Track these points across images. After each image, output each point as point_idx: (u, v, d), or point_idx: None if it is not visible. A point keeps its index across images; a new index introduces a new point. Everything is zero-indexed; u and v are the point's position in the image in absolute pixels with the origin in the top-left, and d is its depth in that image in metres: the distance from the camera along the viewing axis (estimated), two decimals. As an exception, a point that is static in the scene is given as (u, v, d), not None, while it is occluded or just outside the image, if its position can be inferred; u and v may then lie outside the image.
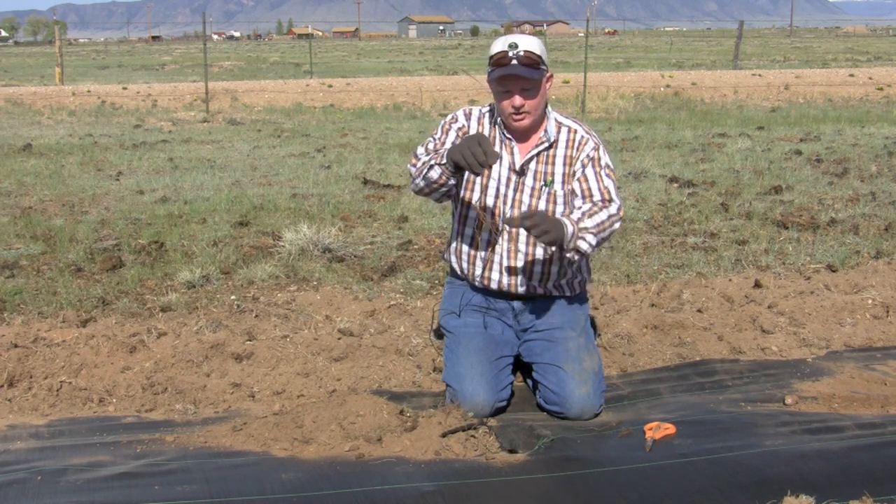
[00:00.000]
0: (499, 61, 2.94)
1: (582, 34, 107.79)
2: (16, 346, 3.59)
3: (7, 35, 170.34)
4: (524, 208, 3.09)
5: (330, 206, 6.80)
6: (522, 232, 3.09)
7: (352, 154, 10.05)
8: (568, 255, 2.94)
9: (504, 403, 3.04)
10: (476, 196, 3.14)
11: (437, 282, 4.65)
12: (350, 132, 12.46)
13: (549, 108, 3.17)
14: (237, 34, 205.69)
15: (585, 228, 2.94)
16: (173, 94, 19.92)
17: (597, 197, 3.05)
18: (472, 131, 3.14)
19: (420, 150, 3.10)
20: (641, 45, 65.80)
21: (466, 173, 3.08)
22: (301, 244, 5.23)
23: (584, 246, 2.94)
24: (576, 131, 3.13)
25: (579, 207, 3.04)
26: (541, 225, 2.75)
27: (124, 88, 22.51)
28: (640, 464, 2.64)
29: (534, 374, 3.12)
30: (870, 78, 23.17)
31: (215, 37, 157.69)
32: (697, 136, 11.30)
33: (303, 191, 7.49)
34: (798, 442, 2.75)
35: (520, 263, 3.13)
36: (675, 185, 7.60)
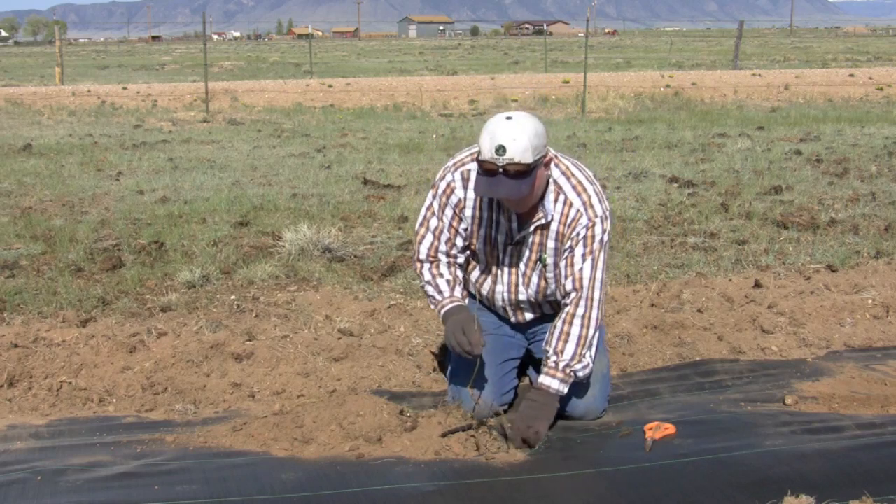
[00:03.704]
0: (484, 168, 2.71)
1: (582, 34, 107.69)
2: (16, 346, 3.59)
3: (7, 35, 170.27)
4: (521, 276, 3.02)
5: (330, 206, 6.80)
6: (521, 296, 3.05)
7: (352, 154, 10.05)
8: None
9: (506, 407, 3.05)
10: (480, 264, 3.08)
11: (437, 282, 4.64)
12: (350, 132, 12.46)
13: (554, 167, 2.89)
14: (237, 34, 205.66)
15: (569, 366, 2.86)
16: (173, 94, 19.91)
17: (568, 287, 2.90)
18: (469, 204, 2.94)
19: (421, 230, 2.99)
20: (641, 45, 65.79)
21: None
22: (301, 244, 5.23)
23: (582, 374, 2.90)
24: (571, 205, 2.87)
25: (551, 334, 2.92)
26: (536, 435, 2.78)
27: (124, 88, 22.51)
28: (640, 464, 2.65)
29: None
30: (870, 78, 23.17)
31: (215, 37, 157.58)
32: (697, 136, 11.30)
33: (303, 191, 7.49)
34: (798, 442, 2.76)
35: (522, 297, 3.09)
36: (675, 185, 7.60)
